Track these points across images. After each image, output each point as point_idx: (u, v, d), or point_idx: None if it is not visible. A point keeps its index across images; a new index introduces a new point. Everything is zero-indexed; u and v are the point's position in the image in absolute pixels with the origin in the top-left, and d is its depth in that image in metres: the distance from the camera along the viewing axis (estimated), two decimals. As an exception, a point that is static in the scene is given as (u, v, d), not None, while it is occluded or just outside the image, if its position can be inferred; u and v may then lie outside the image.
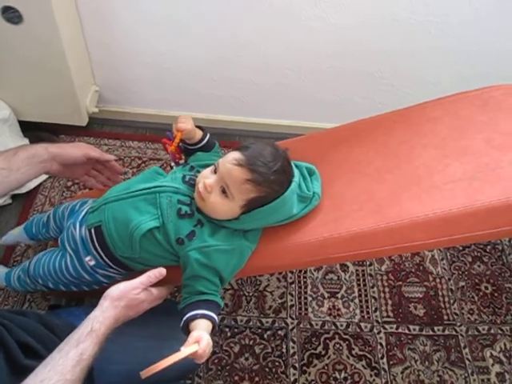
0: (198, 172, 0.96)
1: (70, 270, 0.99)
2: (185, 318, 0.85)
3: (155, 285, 0.87)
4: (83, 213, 1.01)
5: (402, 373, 1.28)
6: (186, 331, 0.83)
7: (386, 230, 0.93)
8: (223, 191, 0.86)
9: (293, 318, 1.34)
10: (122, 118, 1.69)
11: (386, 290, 1.43)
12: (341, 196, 1.02)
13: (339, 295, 1.40)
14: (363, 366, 1.28)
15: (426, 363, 1.31)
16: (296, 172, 0.94)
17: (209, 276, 0.89)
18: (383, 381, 1.26)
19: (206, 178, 0.89)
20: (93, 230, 0.95)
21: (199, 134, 1.03)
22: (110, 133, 1.68)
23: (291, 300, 1.37)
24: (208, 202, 0.87)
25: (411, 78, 1.54)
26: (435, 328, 1.37)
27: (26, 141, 1.52)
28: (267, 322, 1.32)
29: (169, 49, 1.47)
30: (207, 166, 0.95)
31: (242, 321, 1.32)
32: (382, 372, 1.27)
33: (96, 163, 1.08)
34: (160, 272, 0.86)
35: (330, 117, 1.61)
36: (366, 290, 1.42)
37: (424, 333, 1.36)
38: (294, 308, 1.36)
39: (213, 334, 0.83)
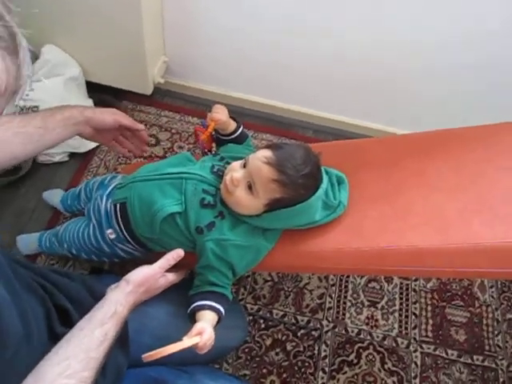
0: (228, 163, 0.95)
1: (91, 240, 1.03)
2: (192, 306, 0.87)
3: (172, 267, 0.89)
4: (111, 187, 1.03)
5: (433, 397, 1.24)
6: (192, 319, 0.85)
7: (450, 251, 0.88)
8: (249, 187, 0.86)
9: (329, 321, 1.31)
10: (186, 92, 1.68)
11: (429, 308, 1.37)
12: (404, 207, 0.98)
13: (379, 306, 1.36)
14: (394, 382, 1.24)
15: (460, 391, 1.26)
16: (325, 178, 0.92)
17: (222, 268, 0.89)
18: (412, 401, 1.22)
19: (235, 171, 0.88)
20: (118, 205, 0.98)
21: (233, 125, 1.03)
22: (172, 105, 1.67)
23: (330, 302, 1.34)
24: (233, 195, 0.87)
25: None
26: (474, 357, 1.31)
27: (90, 101, 1.53)
28: (302, 321, 1.30)
29: (242, 29, 1.43)
30: (237, 158, 0.94)
31: (277, 315, 1.30)
32: (413, 392, 1.23)
33: (125, 130, 1.08)
34: (178, 253, 0.88)
35: (398, 121, 1.54)
36: (407, 305, 1.37)
37: (462, 360, 1.30)
38: (331, 311, 1.32)
39: (216, 327, 0.84)
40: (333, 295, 1.35)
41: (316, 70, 1.50)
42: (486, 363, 1.31)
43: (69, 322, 0.77)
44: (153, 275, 0.85)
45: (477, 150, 1.03)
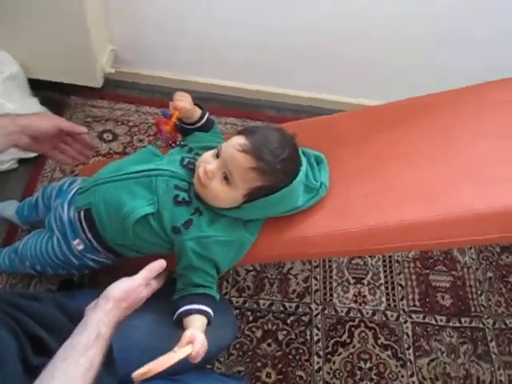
0: (198, 155, 0.90)
1: (57, 253, 0.94)
2: (178, 312, 0.81)
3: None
4: (72, 193, 0.94)
5: (428, 364, 1.24)
6: (180, 325, 0.80)
7: (439, 222, 0.86)
8: (225, 178, 0.80)
9: (317, 304, 1.27)
10: (139, 81, 1.57)
11: (413, 277, 1.37)
12: (385, 182, 0.94)
13: (365, 281, 1.34)
14: (389, 356, 1.23)
15: (453, 356, 1.26)
16: (303, 160, 0.88)
17: (206, 268, 0.84)
18: (409, 372, 1.22)
19: (208, 162, 0.82)
20: (82, 213, 0.89)
21: (198, 112, 0.97)
22: (125, 96, 1.56)
23: (316, 284, 1.31)
24: (209, 188, 0.81)
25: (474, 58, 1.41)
26: (462, 319, 1.32)
27: (35, 101, 1.40)
28: (291, 307, 1.26)
29: (191, 9, 1.34)
30: (207, 148, 0.89)
31: (264, 304, 1.25)
32: (408, 363, 1.23)
33: (66, 136, 0.97)
34: (161, 265, 0.81)
35: (371, 93, 1.50)
36: (392, 277, 1.36)
37: (451, 324, 1.31)
38: (318, 293, 1.29)
39: (207, 328, 0.80)
40: (318, 277, 1.32)
41: (273, 47, 1.43)
42: (473, 324, 1.32)
43: (45, 351, 0.70)
44: (135, 288, 0.77)
45: (445, 116, 1.01)
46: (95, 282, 1.16)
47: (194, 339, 0.73)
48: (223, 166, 0.80)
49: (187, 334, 0.74)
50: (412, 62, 1.42)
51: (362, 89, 1.53)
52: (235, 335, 1.09)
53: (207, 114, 0.99)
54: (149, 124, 1.51)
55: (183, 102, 0.92)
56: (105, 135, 1.46)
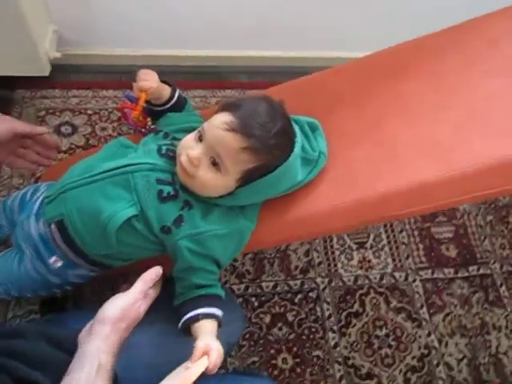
0: (176, 140, 0.79)
1: (32, 275, 0.81)
2: (184, 320, 0.72)
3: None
4: (37, 203, 0.81)
5: (443, 320, 1.20)
6: (187, 333, 0.71)
7: (456, 179, 0.78)
8: (214, 163, 0.70)
9: (323, 277, 1.20)
10: (90, 62, 1.40)
11: (415, 233, 1.31)
12: (391, 141, 0.85)
13: (368, 245, 1.27)
14: (403, 318, 1.19)
15: (466, 307, 1.23)
16: (297, 130, 0.78)
17: (206, 266, 0.74)
18: (426, 332, 1.18)
19: (190, 148, 0.71)
20: (53, 226, 0.77)
21: (167, 90, 0.85)
22: (79, 82, 1.39)
23: (318, 257, 1.23)
24: (196, 177, 0.71)
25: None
26: (470, 268, 1.29)
27: (-24, 100, 1.23)
28: (296, 285, 1.18)
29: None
30: (185, 130, 0.79)
31: (268, 287, 1.17)
32: (424, 322, 1.19)
33: (23, 139, 0.85)
34: (156, 273, 0.71)
35: (355, 44, 1.37)
36: (394, 236, 1.30)
37: (459, 275, 1.27)
38: (322, 265, 1.22)
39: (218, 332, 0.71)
40: (318, 248, 1.24)
41: (234, 6, 1.29)
42: (481, 271, 1.29)
43: None
44: (132, 305, 0.67)
45: (449, 58, 0.91)
46: (81, 295, 1.04)
47: (210, 349, 0.64)
48: (209, 149, 0.69)
49: (200, 345, 0.64)
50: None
51: (341, 40, 1.41)
52: (244, 328, 1.01)
53: (178, 91, 0.87)
54: (109, 109, 1.36)
55: (149, 82, 0.80)
56: (63, 128, 1.31)
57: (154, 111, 0.86)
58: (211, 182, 0.71)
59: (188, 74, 1.46)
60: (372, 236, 1.28)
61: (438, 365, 1.15)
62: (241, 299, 1.14)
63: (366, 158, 0.84)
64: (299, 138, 0.76)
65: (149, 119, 0.90)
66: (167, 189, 0.73)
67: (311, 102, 0.93)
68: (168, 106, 0.85)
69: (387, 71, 0.93)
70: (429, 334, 1.17)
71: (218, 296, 0.75)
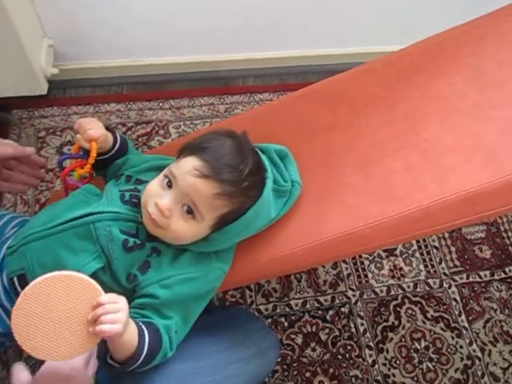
0: (139, 183, 0.72)
1: None
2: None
3: None
4: (3, 251, 0.72)
5: (483, 327, 1.13)
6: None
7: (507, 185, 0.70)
8: (188, 212, 0.64)
9: (354, 290, 1.13)
10: (89, 75, 1.32)
11: (446, 235, 1.24)
12: (434, 146, 0.77)
13: (398, 252, 1.20)
14: (442, 328, 1.11)
15: (506, 311, 1.16)
16: (266, 161, 0.72)
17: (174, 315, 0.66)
18: (467, 341, 1.10)
19: (158, 196, 0.64)
20: (15, 280, 0.69)
21: (110, 136, 0.76)
22: (78, 98, 1.31)
23: (346, 268, 1.16)
24: (168, 229, 0.64)
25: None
26: (506, 269, 1.21)
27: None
28: (326, 301, 1.11)
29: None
30: (144, 170, 0.74)
31: (297, 305, 1.10)
32: (464, 331, 1.12)
33: (8, 160, 0.78)
34: None
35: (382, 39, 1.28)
36: (425, 240, 1.22)
37: (496, 277, 1.20)
38: (351, 277, 1.15)
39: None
40: (347, 259, 1.17)
41: (235, 8, 1.22)
42: (518, 271, 1.21)
43: None
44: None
45: (488, 47, 0.83)
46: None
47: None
48: (182, 197, 0.63)
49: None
50: None
51: (355, 36, 1.34)
52: (277, 357, 0.94)
53: (118, 133, 0.79)
54: (113, 124, 1.28)
55: (96, 130, 0.72)
56: (65, 149, 1.23)
57: (99, 162, 0.76)
58: (185, 231, 0.65)
59: (193, 81, 1.38)
60: (401, 242, 1.21)
61: (482, 376, 1.08)
62: (269, 320, 1.07)
63: (401, 167, 0.77)
64: (270, 173, 0.71)
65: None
66: (132, 240, 0.66)
67: (334, 107, 0.86)
68: (113, 151, 0.77)
69: (420, 68, 0.85)
70: (470, 343, 1.10)
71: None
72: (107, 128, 0.76)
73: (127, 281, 0.66)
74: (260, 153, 0.73)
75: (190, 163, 0.63)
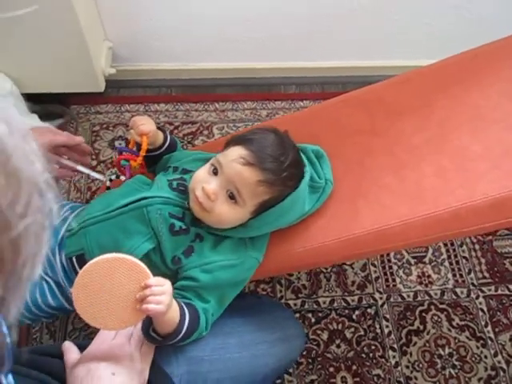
0: (186, 173, 0.79)
1: (50, 303, 0.80)
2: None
3: None
4: (61, 234, 0.80)
5: (510, 340, 1.14)
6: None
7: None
8: (231, 197, 0.70)
9: (381, 293, 1.17)
10: (142, 77, 1.43)
11: (477, 247, 1.25)
12: (464, 152, 0.81)
13: (426, 259, 1.22)
14: (467, 337, 1.13)
15: (535, 326, 1.16)
16: (304, 159, 0.78)
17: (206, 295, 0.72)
18: (492, 352, 1.12)
19: (205, 182, 0.70)
20: (74, 260, 0.76)
21: (160, 134, 0.84)
22: (131, 97, 1.42)
23: (375, 272, 1.19)
24: (213, 212, 0.70)
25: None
26: (536, 285, 1.22)
27: (35, 117, 1.26)
28: (353, 301, 1.15)
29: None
30: (192, 162, 0.80)
31: (324, 303, 1.14)
32: (489, 342, 1.13)
33: (59, 148, 0.83)
34: None
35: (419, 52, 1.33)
36: (454, 250, 1.24)
37: (526, 291, 1.20)
38: (379, 280, 1.18)
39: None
40: (375, 263, 1.21)
41: (280, 19, 1.29)
42: (548, 287, 1.21)
43: None
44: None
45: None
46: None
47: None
48: (226, 183, 0.69)
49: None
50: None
51: (392, 50, 1.38)
52: (304, 346, 0.98)
53: (168, 132, 0.86)
54: (161, 123, 1.38)
55: (148, 125, 0.79)
56: (116, 143, 1.33)
57: (150, 157, 0.84)
58: (228, 215, 0.71)
59: (237, 86, 1.46)
60: (431, 250, 1.24)
61: (506, 387, 1.09)
62: (297, 315, 1.12)
63: (433, 171, 0.81)
64: (308, 167, 0.77)
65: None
66: (178, 223, 0.73)
67: (372, 113, 0.91)
68: (164, 148, 0.85)
69: (455, 80, 0.90)
70: (495, 354, 1.11)
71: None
72: (158, 127, 0.84)
73: (172, 262, 0.72)
74: (300, 151, 0.78)
75: (237, 152, 0.69)
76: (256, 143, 0.70)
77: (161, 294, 0.60)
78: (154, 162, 0.86)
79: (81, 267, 0.74)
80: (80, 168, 0.83)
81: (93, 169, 1.27)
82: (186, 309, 0.67)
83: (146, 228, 0.73)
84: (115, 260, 0.60)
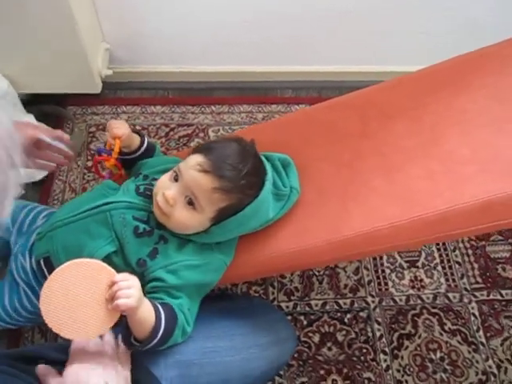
0: (154, 180, 0.80)
1: (25, 305, 0.81)
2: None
3: None
4: (32, 239, 0.82)
5: (501, 345, 1.13)
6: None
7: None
8: (189, 203, 0.72)
9: (373, 296, 1.17)
10: (139, 79, 1.44)
11: (470, 252, 1.25)
12: (453, 156, 0.82)
13: (419, 264, 1.23)
14: (459, 341, 1.13)
15: (526, 331, 1.16)
16: (268, 167, 0.80)
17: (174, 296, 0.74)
18: (483, 356, 1.11)
19: (166, 188, 0.73)
20: (42, 262, 0.78)
21: (137, 138, 0.87)
22: (128, 98, 1.43)
23: (368, 275, 1.20)
24: (172, 217, 0.73)
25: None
26: (529, 290, 1.22)
27: (31, 117, 1.27)
28: (345, 304, 1.15)
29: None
30: (163, 171, 0.80)
31: (317, 305, 1.14)
32: (481, 346, 1.13)
33: (39, 142, 0.81)
34: None
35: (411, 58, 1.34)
36: (447, 255, 1.24)
37: (518, 297, 1.20)
38: (372, 284, 1.18)
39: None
40: (368, 266, 1.21)
41: (279, 23, 1.30)
42: (541, 293, 1.21)
43: None
44: None
45: (510, 66, 0.88)
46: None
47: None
48: (185, 189, 0.72)
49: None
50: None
51: (388, 55, 1.39)
52: (295, 347, 0.99)
53: (146, 138, 0.89)
54: (157, 125, 1.38)
55: (121, 129, 0.82)
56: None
57: (126, 160, 0.87)
58: (186, 220, 0.73)
59: (233, 89, 1.47)
60: (424, 255, 1.24)
61: (497, 392, 1.09)
62: (289, 317, 1.12)
63: (424, 175, 0.81)
64: (270, 175, 0.78)
65: (122, 170, 0.89)
66: (142, 226, 0.75)
67: (366, 116, 0.91)
68: (139, 153, 0.87)
69: (446, 84, 0.90)
70: (487, 359, 1.11)
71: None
72: (137, 132, 0.87)
73: (138, 265, 0.73)
74: (264, 159, 0.80)
75: (195, 159, 0.72)
76: (215, 151, 0.73)
77: (129, 288, 0.61)
78: (130, 165, 0.88)
79: (48, 269, 0.77)
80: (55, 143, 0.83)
81: (89, 170, 1.29)
82: (159, 306, 0.68)
83: (109, 231, 0.75)
84: (79, 264, 0.60)
